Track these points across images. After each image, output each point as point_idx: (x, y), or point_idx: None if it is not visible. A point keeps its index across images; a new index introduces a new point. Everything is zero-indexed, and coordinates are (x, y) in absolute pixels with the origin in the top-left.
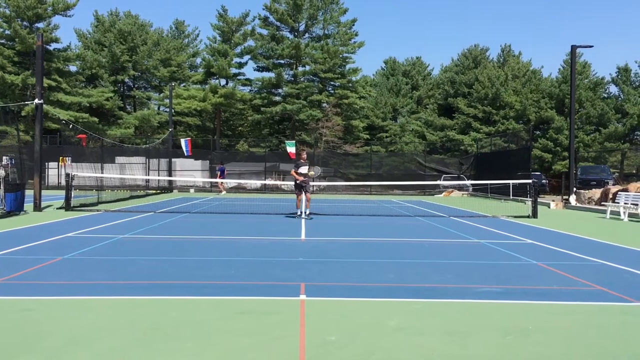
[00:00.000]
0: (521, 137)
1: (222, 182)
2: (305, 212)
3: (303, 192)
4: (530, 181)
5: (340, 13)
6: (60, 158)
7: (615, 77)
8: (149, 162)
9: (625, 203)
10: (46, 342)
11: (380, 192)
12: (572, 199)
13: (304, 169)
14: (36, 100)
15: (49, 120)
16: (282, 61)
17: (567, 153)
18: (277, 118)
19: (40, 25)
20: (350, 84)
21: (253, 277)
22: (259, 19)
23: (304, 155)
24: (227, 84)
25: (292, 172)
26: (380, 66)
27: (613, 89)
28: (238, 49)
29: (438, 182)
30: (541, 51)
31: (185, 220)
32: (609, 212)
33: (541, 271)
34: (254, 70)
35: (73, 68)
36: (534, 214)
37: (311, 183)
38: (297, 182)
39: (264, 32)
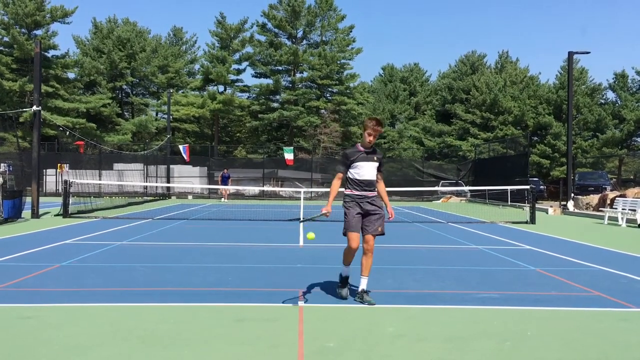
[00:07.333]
0: (519, 143)
1: (224, 189)
2: (360, 287)
3: (361, 229)
4: (528, 187)
5: (338, 20)
6: (58, 165)
7: (613, 83)
8: (147, 169)
9: (623, 209)
10: (44, 350)
11: None
12: (570, 204)
13: (366, 169)
14: (34, 107)
15: (47, 127)
16: (280, 67)
17: (564, 159)
18: (275, 124)
19: (39, 32)
20: (348, 90)
21: (251, 284)
22: (257, 25)
23: (371, 133)
24: (225, 90)
25: (336, 178)
26: (378, 72)
27: (610, 95)
28: (236, 56)
29: (436, 188)
30: (539, 57)
31: (183, 227)
32: (606, 217)
33: (539, 277)
34: (252, 76)
35: (71, 75)
36: (532, 220)
37: (313, 190)
38: (348, 198)
39: (262, 38)
